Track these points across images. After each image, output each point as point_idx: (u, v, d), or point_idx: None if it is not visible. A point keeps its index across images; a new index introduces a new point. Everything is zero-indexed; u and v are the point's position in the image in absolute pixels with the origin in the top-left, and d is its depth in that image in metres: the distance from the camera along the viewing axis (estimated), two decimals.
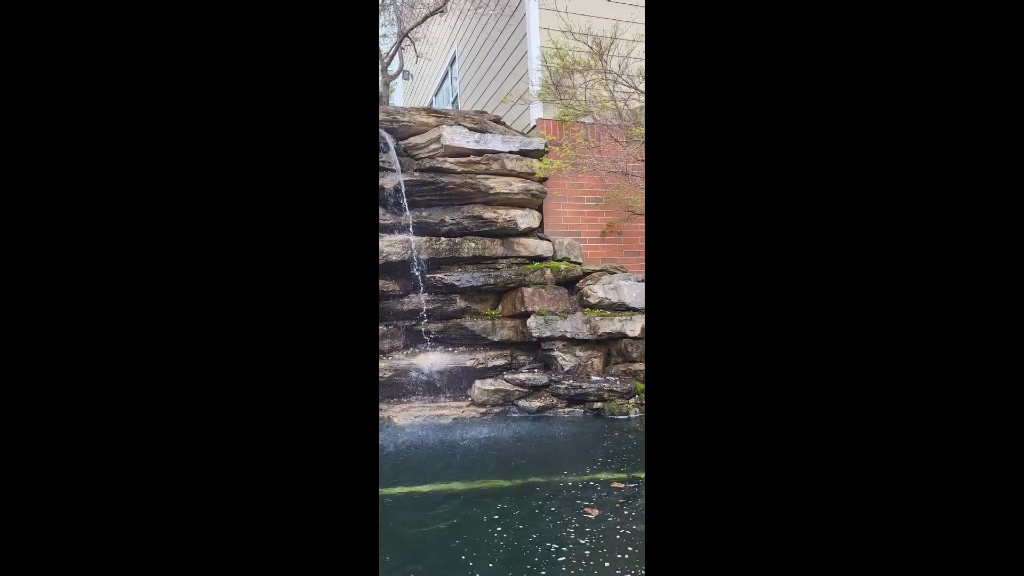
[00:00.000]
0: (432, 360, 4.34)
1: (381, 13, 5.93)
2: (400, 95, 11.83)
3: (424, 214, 4.47)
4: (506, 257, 4.70)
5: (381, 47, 6.29)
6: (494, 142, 4.65)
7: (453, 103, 8.24)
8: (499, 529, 2.18)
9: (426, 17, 5.96)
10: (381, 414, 4.19)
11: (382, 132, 4.43)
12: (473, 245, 4.56)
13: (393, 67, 6.36)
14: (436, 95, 9.50)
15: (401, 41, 6.26)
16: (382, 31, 6.27)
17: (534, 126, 5.35)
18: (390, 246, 4.29)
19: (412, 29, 6.15)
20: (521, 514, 2.33)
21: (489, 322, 4.52)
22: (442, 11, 5.88)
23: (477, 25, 6.73)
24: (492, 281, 4.52)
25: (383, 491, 2.72)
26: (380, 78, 6.13)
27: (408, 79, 9.65)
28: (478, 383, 4.30)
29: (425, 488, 2.74)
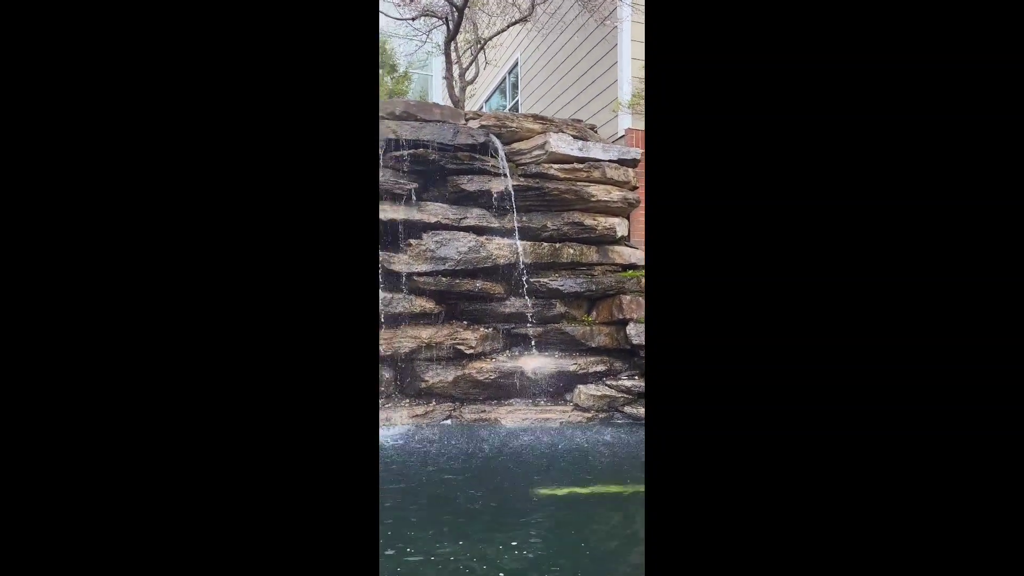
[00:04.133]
0: (535, 364, 4.37)
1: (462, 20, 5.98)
2: (440, 100, 11.89)
3: (525, 219, 4.52)
4: (601, 264, 4.75)
5: (461, 55, 6.36)
6: (595, 150, 4.71)
7: (512, 109, 8.31)
8: None
9: (509, 26, 6.04)
10: (486, 415, 4.22)
11: (491, 137, 4.48)
12: (571, 251, 4.61)
13: (470, 74, 6.43)
14: (487, 101, 9.57)
15: (482, 48, 6.33)
16: (461, 37, 6.33)
17: (622, 136, 5.42)
18: (499, 249, 4.34)
19: (493, 37, 6.23)
20: None
21: (587, 328, 4.57)
22: (525, 20, 5.95)
23: (551, 33, 6.81)
24: (594, 287, 4.58)
25: (546, 491, 2.74)
26: (457, 84, 6.19)
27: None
28: (581, 387, 4.34)
29: (586, 490, 2.76)
